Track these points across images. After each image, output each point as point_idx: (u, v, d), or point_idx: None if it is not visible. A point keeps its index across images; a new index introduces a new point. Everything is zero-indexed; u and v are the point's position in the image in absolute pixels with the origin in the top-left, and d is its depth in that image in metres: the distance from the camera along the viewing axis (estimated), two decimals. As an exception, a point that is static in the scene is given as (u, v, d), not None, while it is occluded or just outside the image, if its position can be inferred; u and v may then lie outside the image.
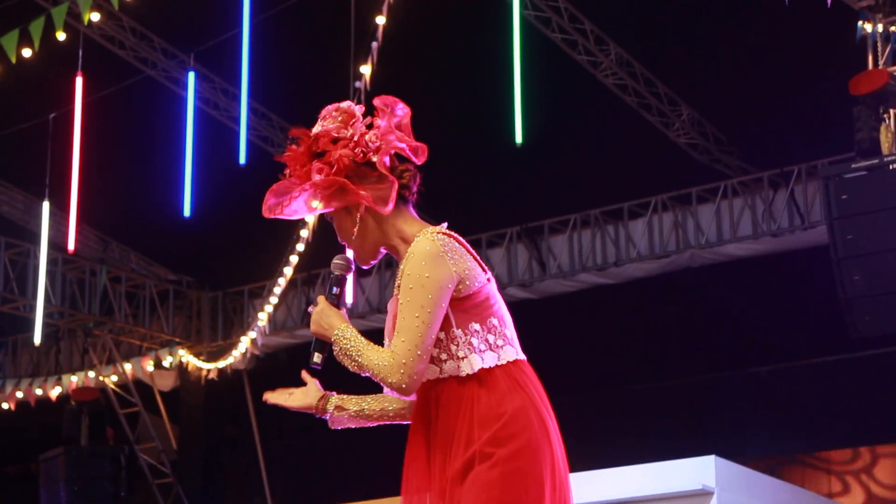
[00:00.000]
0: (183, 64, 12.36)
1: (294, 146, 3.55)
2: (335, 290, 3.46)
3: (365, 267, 3.55)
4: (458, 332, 3.34)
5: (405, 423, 3.56)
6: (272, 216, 3.53)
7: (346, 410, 3.57)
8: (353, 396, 3.60)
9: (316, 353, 3.45)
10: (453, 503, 3.28)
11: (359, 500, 10.77)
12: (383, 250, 3.52)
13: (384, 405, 3.57)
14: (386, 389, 3.43)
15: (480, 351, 3.36)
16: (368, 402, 3.58)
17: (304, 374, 3.63)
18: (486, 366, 3.35)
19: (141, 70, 12.45)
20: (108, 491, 13.65)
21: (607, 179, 12.68)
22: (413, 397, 3.43)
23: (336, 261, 3.50)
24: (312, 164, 3.52)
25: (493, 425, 3.29)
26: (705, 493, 8.12)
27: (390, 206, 3.48)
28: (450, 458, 3.32)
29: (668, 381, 13.31)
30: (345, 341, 3.37)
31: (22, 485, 16.24)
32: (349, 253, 3.55)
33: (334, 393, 3.62)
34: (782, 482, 9.97)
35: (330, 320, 3.40)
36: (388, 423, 3.61)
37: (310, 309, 3.51)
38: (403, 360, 3.29)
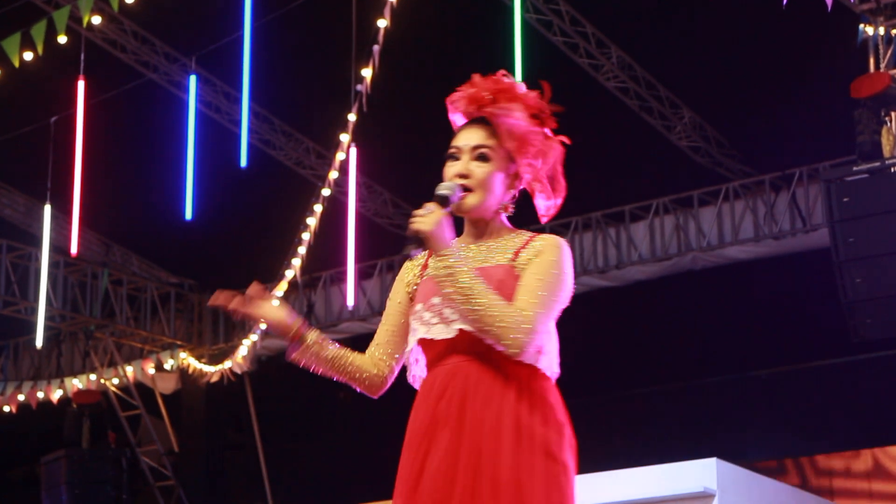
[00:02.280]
0: (184, 67, 12.36)
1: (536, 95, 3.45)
2: (447, 209, 3.34)
3: (461, 212, 3.43)
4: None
5: (360, 391, 3.52)
6: (492, 106, 3.42)
7: (324, 350, 3.45)
8: (335, 343, 3.52)
9: (413, 247, 3.29)
10: (505, 481, 3.19)
11: (360, 503, 10.78)
12: (476, 216, 3.44)
13: (364, 368, 3.50)
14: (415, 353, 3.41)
15: (547, 352, 3.37)
16: (350, 358, 3.48)
17: (268, 295, 3.49)
18: (542, 367, 3.35)
19: (142, 73, 12.45)
20: (109, 494, 13.65)
21: (609, 182, 12.68)
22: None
23: (445, 184, 3.39)
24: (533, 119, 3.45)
25: (558, 429, 3.30)
26: (706, 496, 8.12)
27: (514, 192, 3.51)
28: (488, 434, 3.23)
29: (669, 384, 13.32)
30: (459, 265, 3.23)
31: (23, 488, 16.25)
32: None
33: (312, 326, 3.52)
34: (784, 484, 9.96)
35: (444, 233, 3.28)
36: (347, 382, 3.50)
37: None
38: (532, 323, 3.23)
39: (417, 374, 3.46)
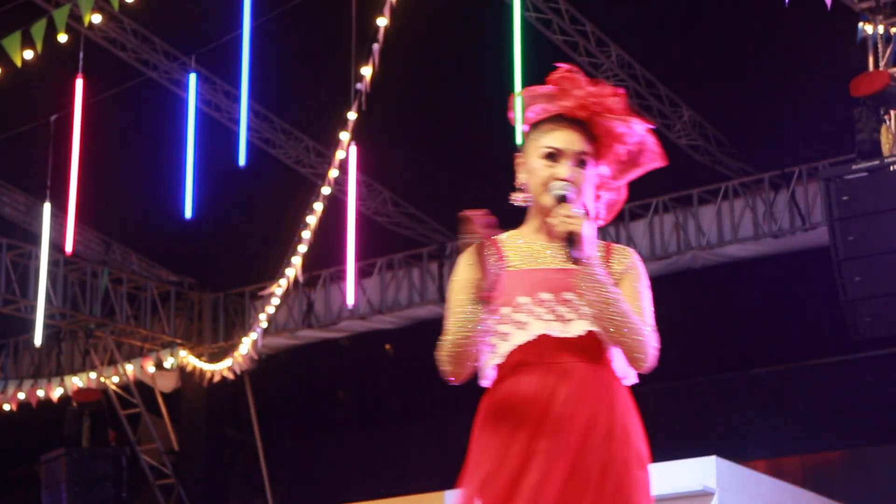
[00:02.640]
0: (184, 66, 12.37)
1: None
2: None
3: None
4: None
5: (459, 380, 3.37)
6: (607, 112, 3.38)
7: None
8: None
9: (574, 250, 3.23)
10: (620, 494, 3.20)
11: (360, 501, 10.79)
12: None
13: None
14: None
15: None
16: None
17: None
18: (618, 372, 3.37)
19: (142, 72, 12.46)
20: (109, 492, 13.66)
21: (608, 180, 12.67)
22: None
23: (560, 184, 3.34)
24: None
25: (642, 435, 3.38)
26: (706, 494, 8.13)
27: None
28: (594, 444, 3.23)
29: (669, 382, 13.31)
30: (601, 275, 3.24)
31: (23, 486, 16.25)
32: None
33: None
34: (783, 483, 9.98)
35: (589, 236, 3.25)
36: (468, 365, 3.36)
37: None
38: (656, 339, 3.31)
39: (493, 362, 3.35)
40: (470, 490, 3.24)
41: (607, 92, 3.41)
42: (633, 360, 3.28)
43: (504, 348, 3.31)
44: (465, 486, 3.26)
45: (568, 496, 3.16)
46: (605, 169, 3.43)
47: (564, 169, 3.35)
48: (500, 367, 3.32)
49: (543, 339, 3.28)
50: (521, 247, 3.40)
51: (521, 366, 3.29)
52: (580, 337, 3.29)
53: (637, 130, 3.41)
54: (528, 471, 3.19)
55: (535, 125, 3.46)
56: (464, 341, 3.24)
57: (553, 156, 3.38)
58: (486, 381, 3.37)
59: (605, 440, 3.24)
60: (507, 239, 3.44)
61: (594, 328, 3.28)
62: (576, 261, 3.23)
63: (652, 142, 3.45)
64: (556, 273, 3.31)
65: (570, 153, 3.37)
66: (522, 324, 3.31)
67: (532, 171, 3.42)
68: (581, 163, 3.37)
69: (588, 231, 3.24)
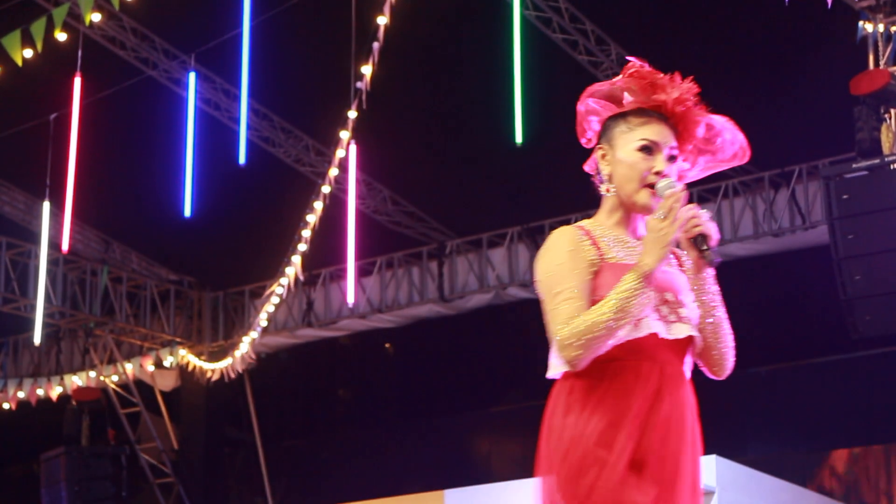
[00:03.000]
0: (184, 64, 12.36)
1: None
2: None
3: (647, 211, 3.35)
4: None
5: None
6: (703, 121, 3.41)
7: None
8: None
9: (713, 253, 3.22)
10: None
11: (359, 500, 10.79)
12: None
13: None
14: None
15: None
16: None
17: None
18: None
19: (142, 70, 12.45)
20: (109, 491, 13.65)
21: (608, 179, 12.67)
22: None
23: (668, 182, 3.28)
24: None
25: None
26: (706, 493, 8.13)
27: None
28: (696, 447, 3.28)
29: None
30: (712, 280, 3.30)
31: (23, 485, 16.25)
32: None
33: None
34: (783, 482, 9.97)
35: (717, 237, 3.26)
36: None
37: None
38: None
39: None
40: (572, 472, 3.15)
41: (694, 88, 3.45)
42: (716, 368, 3.35)
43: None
44: (564, 468, 3.17)
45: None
46: (685, 164, 3.42)
47: (661, 163, 3.31)
48: (600, 358, 3.21)
49: (651, 338, 3.25)
50: (612, 239, 3.33)
51: (624, 360, 3.23)
52: (680, 340, 3.29)
53: (721, 127, 3.43)
54: (635, 467, 3.17)
55: (617, 117, 3.41)
56: (614, 325, 3.14)
57: (649, 149, 3.32)
58: (571, 368, 3.22)
59: (696, 450, 3.29)
60: (594, 230, 3.35)
61: (694, 333, 3.30)
62: (709, 263, 3.23)
63: (734, 139, 3.45)
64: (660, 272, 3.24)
65: (664, 147, 3.34)
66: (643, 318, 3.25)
67: (623, 162, 3.33)
68: (671, 158, 3.35)
69: (715, 231, 3.22)
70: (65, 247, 12.35)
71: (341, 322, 14.39)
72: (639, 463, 3.16)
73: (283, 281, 13.03)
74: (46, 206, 12.56)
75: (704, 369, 3.41)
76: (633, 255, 3.28)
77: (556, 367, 3.28)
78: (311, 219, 12.42)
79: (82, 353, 15.11)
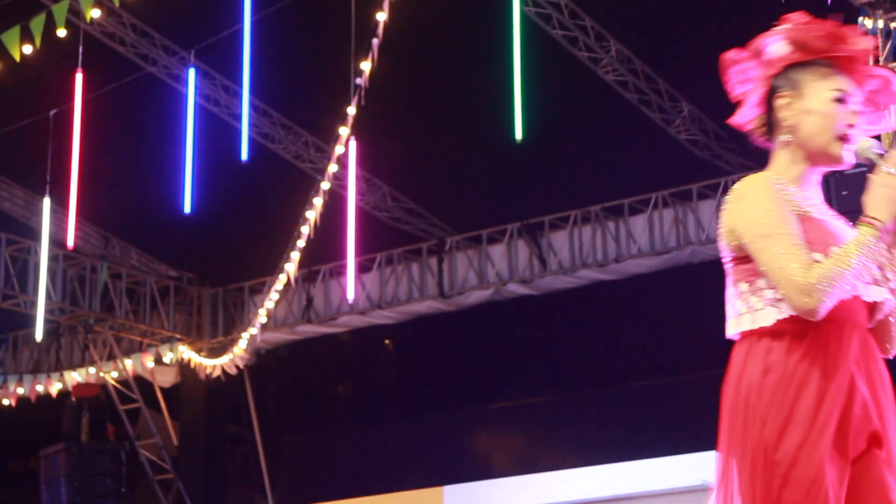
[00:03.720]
0: (184, 61, 12.36)
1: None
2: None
3: (841, 164, 3.24)
4: None
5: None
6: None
7: None
8: None
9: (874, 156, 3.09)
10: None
11: (359, 497, 10.79)
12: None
13: None
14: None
15: None
16: None
17: None
18: None
19: (142, 67, 12.45)
20: (108, 487, 13.65)
21: (608, 175, 12.69)
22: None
23: (868, 141, 3.17)
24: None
25: None
26: (706, 489, 8.14)
27: None
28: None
29: (668, 377, 13.32)
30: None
31: (23, 481, 16.26)
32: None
33: None
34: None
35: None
36: None
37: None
38: None
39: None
40: (774, 435, 2.97)
41: (870, 40, 3.35)
42: (889, 344, 3.13)
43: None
44: (766, 430, 2.99)
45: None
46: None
47: (853, 115, 3.20)
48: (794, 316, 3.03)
49: (854, 300, 3.05)
50: (797, 193, 3.16)
51: (828, 321, 3.01)
52: (874, 303, 3.09)
53: (886, 83, 3.36)
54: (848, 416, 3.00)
55: (801, 65, 3.30)
56: (857, 278, 2.97)
57: (842, 100, 3.20)
58: (809, 317, 2.99)
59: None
60: (781, 181, 3.16)
61: (889, 297, 3.09)
62: (865, 168, 3.09)
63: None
64: (851, 231, 3.09)
65: (853, 100, 3.23)
66: None
67: (817, 112, 3.19)
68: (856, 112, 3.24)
69: None
70: (70, 243, 12.35)
71: (341, 318, 14.39)
72: (840, 435, 2.99)
73: (282, 277, 13.04)
74: (47, 202, 12.56)
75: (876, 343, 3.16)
76: (819, 210, 3.15)
77: (753, 322, 3.07)
78: (311, 215, 12.42)
79: (82, 349, 15.11)
